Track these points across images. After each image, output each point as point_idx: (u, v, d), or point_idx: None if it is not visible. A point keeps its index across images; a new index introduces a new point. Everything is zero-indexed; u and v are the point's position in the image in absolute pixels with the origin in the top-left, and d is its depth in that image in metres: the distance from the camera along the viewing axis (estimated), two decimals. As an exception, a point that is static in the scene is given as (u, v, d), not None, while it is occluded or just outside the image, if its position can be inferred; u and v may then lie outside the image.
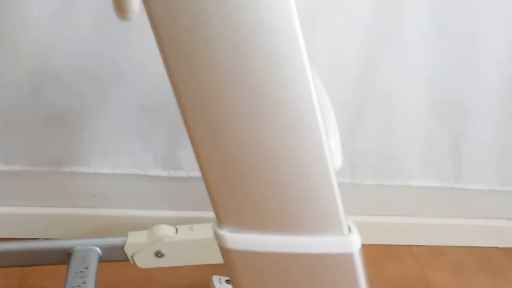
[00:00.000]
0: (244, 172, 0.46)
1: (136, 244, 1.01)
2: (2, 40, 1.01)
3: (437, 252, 1.28)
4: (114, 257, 1.02)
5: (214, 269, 1.05)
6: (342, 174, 1.20)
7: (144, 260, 1.01)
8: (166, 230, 1.02)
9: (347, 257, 0.49)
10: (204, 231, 1.01)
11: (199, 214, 1.17)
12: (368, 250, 1.25)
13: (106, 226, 1.18)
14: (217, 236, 0.48)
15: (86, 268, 0.97)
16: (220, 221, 0.48)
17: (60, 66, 1.04)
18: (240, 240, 0.48)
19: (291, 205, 0.48)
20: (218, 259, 1.02)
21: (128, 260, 1.02)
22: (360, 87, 1.11)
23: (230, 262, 0.48)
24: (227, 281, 1.05)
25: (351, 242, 0.49)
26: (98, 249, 1.01)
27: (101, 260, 1.01)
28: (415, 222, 1.28)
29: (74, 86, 1.06)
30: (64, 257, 0.99)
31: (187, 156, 1.14)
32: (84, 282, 0.94)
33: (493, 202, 1.29)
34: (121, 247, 1.01)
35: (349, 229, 0.51)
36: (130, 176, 1.16)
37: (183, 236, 1.02)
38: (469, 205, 1.28)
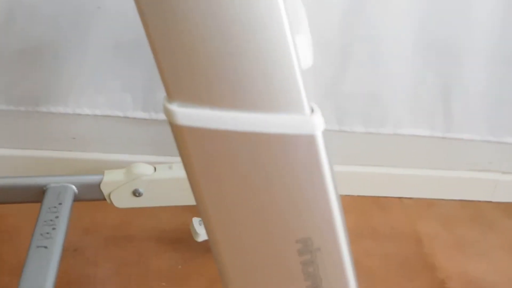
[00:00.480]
0: (196, 38, 0.42)
1: (113, 182, 0.98)
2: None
3: (427, 204, 1.25)
4: (90, 196, 0.99)
5: (195, 212, 1.02)
6: (329, 120, 1.16)
7: (121, 199, 0.99)
8: (144, 168, 0.99)
9: (308, 139, 0.45)
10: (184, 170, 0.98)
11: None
12: (356, 201, 1.23)
13: (85, 170, 1.14)
14: (166, 112, 0.45)
15: (60, 204, 0.94)
16: (170, 95, 0.45)
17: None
18: (191, 115, 0.45)
19: (247, 78, 0.44)
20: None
21: (104, 199, 0.99)
22: (347, 26, 1.07)
23: (180, 140, 0.45)
24: (207, 223, 1.02)
25: (313, 123, 0.45)
26: (73, 186, 0.98)
27: (77, 199, 0.98)
28: (405, 173, 1.24)
29: (51, 18, 1.02)
30: (38, 194, 0.97)
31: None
32: (57, 217, 0.91)
33: (487, 154, 1.25)
34: (98, 185, 0.98)
35: (312, 110, 0.46)
36: (109, 118, 1.12)
37: (162, 175, 0.99)
38: (461, 156, 1.24)
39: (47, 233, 0.87)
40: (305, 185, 0.45)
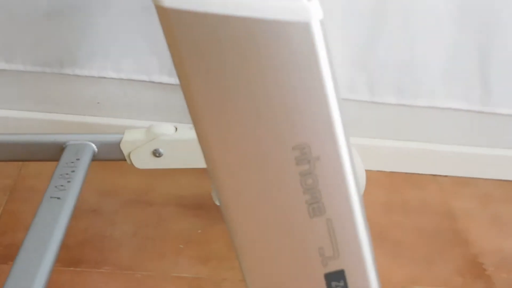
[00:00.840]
0: None
1: (133, 141, 0.96)
2: None
3: (463, 183, 1.19)
4: (109, 155, 0.97)
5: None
6: (360, 90, 1.12)
7: (141, 160, 0.96)
8: (165, 128, 0.97)
9: (303, 27, 0.42)
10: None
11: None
12: (387, 177, 1.18)
13: (108, 135, 1.13)
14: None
15: (78, 159, 0.93)
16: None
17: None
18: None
19: None
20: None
21: (124, 159, 0.97)
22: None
23: (166, 25, 0.42)
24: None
25: (309, 9, 0.41)
26: (93, 145, 0.96)
27: (96, 158, 0.97)
28: (441, 150, 1.19)
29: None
30: (57, 152, 0.95)
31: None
32: (73, 171, 0.89)
33: (527, 131, 1.19)
34: (117, 144, 0.96)
35: None
36: (134, 82, 1.11)
37: (183, 135, 0.97)
38: (501, 133, 1.19)
39: (62, 185, 0.85)
40: (301, 82, 0.42)
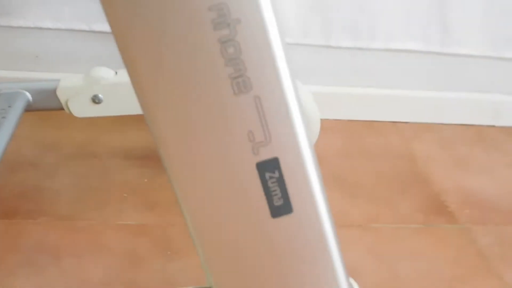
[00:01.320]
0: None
1: (70, 88, 0.90)
2: None
3: (424, 128, 1.15)
4: (46, 104, 0.92)
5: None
6: (315, 34, 1.07)
7: (80, 107, 0.91)
8: (104, 72, 0.91)
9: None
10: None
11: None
12: (346, 125, 1.14)
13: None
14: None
15: (9, 107, 0.86)
16: None
17: None
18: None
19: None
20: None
21: (62, 108, 0.91)
22: None
23: None
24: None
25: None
26: (27, 93, 0.90)
27: (31, 108, 0.91)
28: (399, 95, 1.15)
29: None
30: (-11, 101, 0.89)
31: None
32: (3, 117, 0.83)
33: (488, 73, 1.15)
34: (53, 92, 0.90)
35: None
36: (74, 32, 1.04)
37: (123, 78, 0.91)
38: (461, 75, 1.15)
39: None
40: None
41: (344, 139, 1.08)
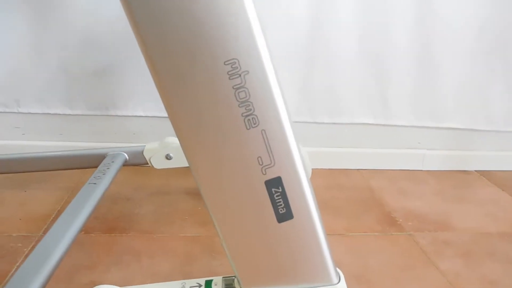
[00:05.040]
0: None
1: (152, 150, 0.83)
2: (58, 14, 0.87)
3: (377, 172, 1.06)
4: (136, 161, 0.84)
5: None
6: (304, 115, 1.00)
7: (158, 162, 0.83)
8: (173, 139, 0.84)
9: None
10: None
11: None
12: (327, 172, 1.05)
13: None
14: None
15: (113, 162, 0.79)
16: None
17: (100, 31, 0.89)
18: None
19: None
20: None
21: (147, 163, 0.84)
22: (310, 41, 0.93)
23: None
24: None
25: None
26: (125, 154, 0.83)
27: (128, 163, 0.83)
28: (361, 152, 1.06)
29: (112, 47, 0.91)
30: (100, 159, 0.82)
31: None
32: (108, 168, 0.76)
33: (416, 136, 1.06)
34: (141, 152, 0.83)
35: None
36: (156, 118, 0.98)
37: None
38: (399, 138, 1.06)
39: (99, 176, 0.72)
40: (227, 10, 0.30)
41: (326, 179, 0.99)
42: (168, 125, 0.94)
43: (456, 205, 0.89)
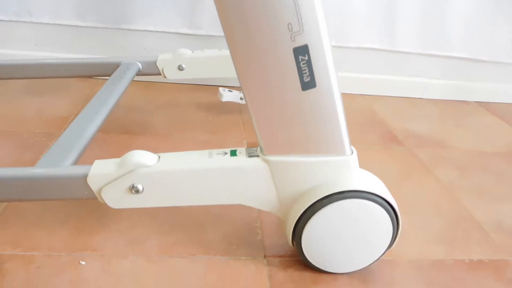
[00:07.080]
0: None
1: (165, 60, 0.85)
2: None
3: (379, 98, 1.09)
4: (150, 70, 0.86)
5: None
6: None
7: (171, 72, 0.85)
8: (186, 51, 0.86)
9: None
10: (214, 53, 0.85)
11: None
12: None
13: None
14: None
15: (128, 69, 0.81)
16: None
17: None
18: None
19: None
20: (225, 73, 0.86)
21: (159, 73, 0.86)
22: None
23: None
24: (229, 90, 0.88)
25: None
26: (139, 63, 0.85)
27: (141, 73, 0.85)
28: (364, 77, 1.09)
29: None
30: (114, 68, 0.84)
31: (206, 18, 0.97)
32: (122, 76, 0.78)
33: (419, 64, 1.09)
34: (155, 63, 0.85)
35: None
36: (165, 33, 0.99)
37: (198, 55, 0.86)
38: (402, 65, 1.08)
39: (114, 82, 0.74)
40: None
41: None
42: (178, 41, 0.96)
43: (454, 129, 0.93)
